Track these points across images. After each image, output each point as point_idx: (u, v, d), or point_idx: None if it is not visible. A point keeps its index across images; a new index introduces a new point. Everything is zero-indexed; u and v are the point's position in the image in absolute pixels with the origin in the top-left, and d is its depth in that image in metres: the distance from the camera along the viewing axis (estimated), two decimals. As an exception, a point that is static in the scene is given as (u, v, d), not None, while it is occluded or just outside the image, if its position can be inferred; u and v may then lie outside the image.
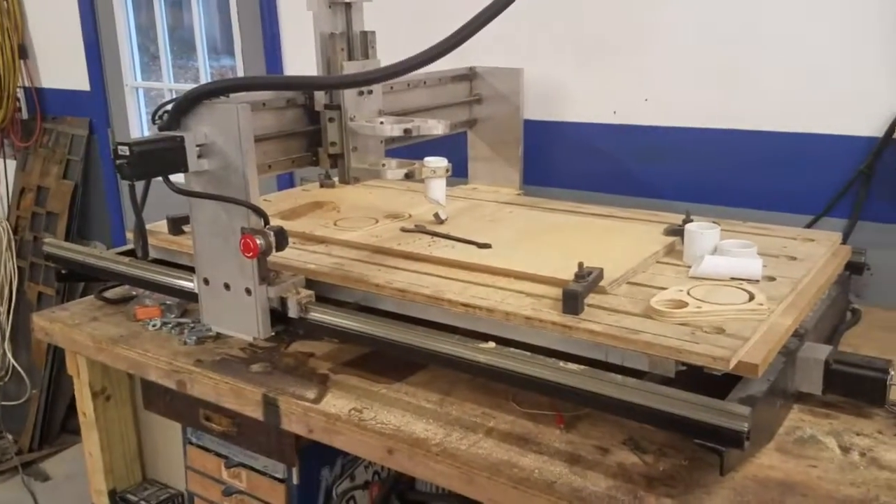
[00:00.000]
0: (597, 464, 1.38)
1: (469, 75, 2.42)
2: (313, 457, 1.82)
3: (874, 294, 2.04)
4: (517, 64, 2.39)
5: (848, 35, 2.00)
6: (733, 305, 1.46)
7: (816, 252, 1.79)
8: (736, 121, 2.21)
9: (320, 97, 1.90)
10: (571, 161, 2.51)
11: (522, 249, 1.79)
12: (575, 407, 1.51)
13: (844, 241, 1.98)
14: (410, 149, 2.14)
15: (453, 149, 2.25)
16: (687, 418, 1.25)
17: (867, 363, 1.45)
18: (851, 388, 1.46)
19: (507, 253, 1.77)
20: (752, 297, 1.49)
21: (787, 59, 2.09)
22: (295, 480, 1.82)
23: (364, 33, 1.95)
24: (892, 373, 1.43)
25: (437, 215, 2.02)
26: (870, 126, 2.02)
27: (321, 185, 2.45)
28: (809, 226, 2.11)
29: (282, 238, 1.60)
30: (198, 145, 1.58)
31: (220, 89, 1.59)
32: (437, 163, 1.96)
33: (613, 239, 1.87)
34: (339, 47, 1.90)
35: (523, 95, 2.40)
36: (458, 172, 2.20)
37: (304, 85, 1.90)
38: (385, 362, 1.72)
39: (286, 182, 3.04)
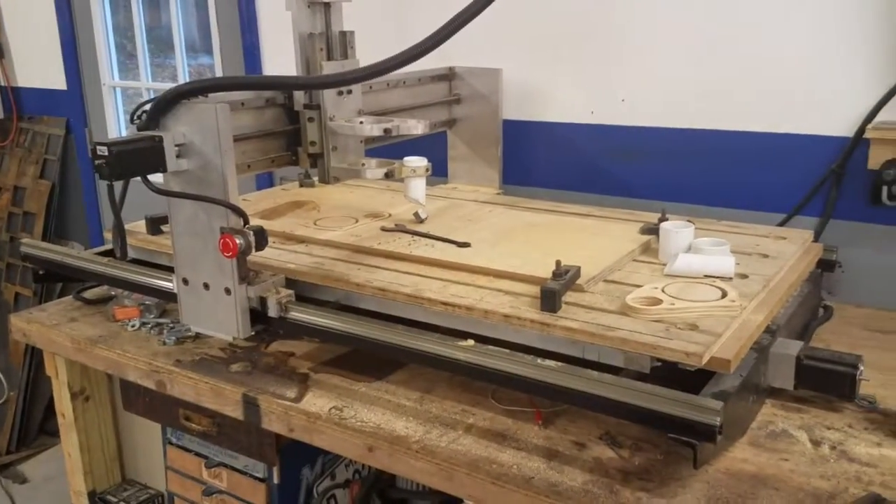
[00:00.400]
0: (574, 459, 1.40)
1: (448, 75, 2.44)
2: (294, 456, 1.83)
3: (846, 291, 2.07)
4: (496, 64, 2.41)
5: (820, 36, 2.04)
6: (706, 302, 1.49)
7: (788, 250, 1.82)
8: (711, 121, 2.24)
9: (300, 97, 1.91)
10: (550, 161, 2.53)
11: (501, 248, 1.81)
12: (552, 403, 1.53)
13: (816, 239, 2.01)
14: (390, 148, 2.15)
15: (433, 148, 2.26)
16: (661, 413, 1.27)
17: (838, 358, 1.48)
18: (822, 383, 1.49)
19: (487, 252, 1.78)
20: (724, 294, 1.52)
21: (760, 60, 2.12)
22: (275, 480, 1.82)
23: (343, 33, 1.95)
24: (862, 368, 1.46)
25: (416, 214, 2.03)
26: (841, 126, 2.05)
27: (301, 185, 2.45)
28: (782, 224, 2.14)
29: (261, 238, 1.60)
30: (176, 145, 1.58)
31: (199, 89, 1.59)
32: (417, 162, 1.97)
33: (591, 238, 1.89)
34: (319, 47, 1.91)
35: (502, 95, 2.41)
36: (438, 172, 2.21)
37: (284, 85, 1.90)
38: (365, 361, 1.73)
39: (266, 182, 3.04)
